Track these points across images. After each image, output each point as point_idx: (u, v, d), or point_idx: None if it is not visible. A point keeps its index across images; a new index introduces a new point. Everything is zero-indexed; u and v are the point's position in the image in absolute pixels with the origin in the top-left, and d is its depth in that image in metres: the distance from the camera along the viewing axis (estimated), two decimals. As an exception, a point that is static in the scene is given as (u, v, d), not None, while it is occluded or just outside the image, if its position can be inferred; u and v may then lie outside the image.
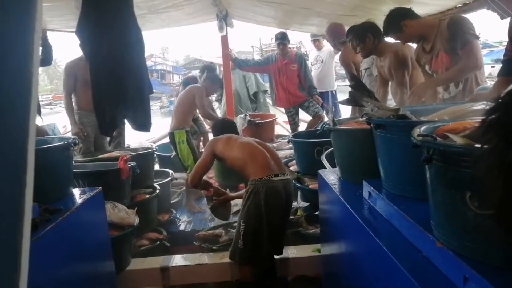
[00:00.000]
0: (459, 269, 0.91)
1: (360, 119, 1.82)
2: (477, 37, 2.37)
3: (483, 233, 0.88)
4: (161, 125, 8.29)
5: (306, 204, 2.66)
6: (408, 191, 1.36)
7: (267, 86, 6.48)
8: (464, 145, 0.86)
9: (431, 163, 0.95)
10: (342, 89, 6.28)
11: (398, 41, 2.87)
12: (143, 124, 2.42)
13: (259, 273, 2.17)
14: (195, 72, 6.15)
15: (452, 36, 2.38)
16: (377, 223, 1.39)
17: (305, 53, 6.70)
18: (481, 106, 1.51)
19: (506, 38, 1.97)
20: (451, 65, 2.45)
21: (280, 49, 5.02)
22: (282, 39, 4.98)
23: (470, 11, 3.33)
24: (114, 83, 2.25)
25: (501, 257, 0.86)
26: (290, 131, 5.35)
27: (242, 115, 5.38)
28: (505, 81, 1.94)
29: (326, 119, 4.84)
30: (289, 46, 5.27)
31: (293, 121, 5.28)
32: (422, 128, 1.13)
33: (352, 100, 1.68)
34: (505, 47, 1.99)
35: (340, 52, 4.42)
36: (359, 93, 1.60)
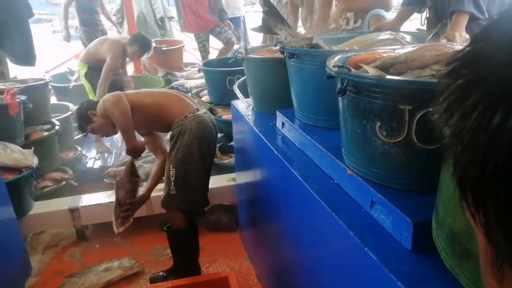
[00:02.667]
0: (367, 193, 0.98)
1: (273, 47, 1.78)
2: None
3: (388, 160, 0.94)
4: (55, 52, 7.41)
5: (220, 135, 2.64)
6: (320, 120, 1.39)
7: (172, 11, 6.00)
8: (377, 76, 0.87)
9: (345, 94, 0.96)
10: (250, 15, 6.12)
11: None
12: (24, 56, 2.05)
13: (191, 216, 2.06)
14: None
15: None
16: (290, 153, 1.43)
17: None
18: (386, 35, 1.56)
19: None
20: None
21: None
22: None
23: None
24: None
25: (402, 180, 0.94)
26: (201, 58, 5.15)
27: (147, 41, 4.99)
28: (408, 10, 2.02)
29: (236, 46, 4.72)
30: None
31: (204, 48, 5.05)
32: (336, 58, 1.13)
33: (265, 28, 1.61)
34: None
35: None
36: (273, 20, 1.54)
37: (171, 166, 1.94)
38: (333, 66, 0.99)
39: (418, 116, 0.85)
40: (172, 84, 4.09)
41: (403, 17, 2.02)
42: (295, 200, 1.37)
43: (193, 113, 1.97)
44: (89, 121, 2.07)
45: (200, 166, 1.99)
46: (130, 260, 2.22)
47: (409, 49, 1.11)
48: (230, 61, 2.30)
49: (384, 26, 1.97)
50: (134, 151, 2.07)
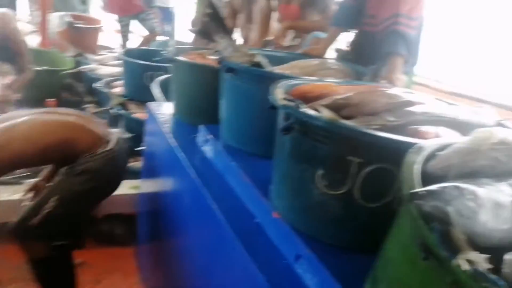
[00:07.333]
0: (293, 244, 0.87)
1: (208, 55, 1.62)
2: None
3: (323, 212, 0.84)
4: None
5: (128, 135, 2.36)
6: (250, 146, 1.27)
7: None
8: (331, 120, 0.77)
9: (290, 132, 0.85)
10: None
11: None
12: None
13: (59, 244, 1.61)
14: None
15: None
16: (209, 175, 1.28)
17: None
18: (335, 66, 1.50)
19: None
20: (297, 20, 2.42)
21: None
22: None
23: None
24: None
25: (336, 235, 0.85)
26: (122, 43, 4.74)
27: (62, 13, 4.44)
28: (336, 31, 1.95)
29: (158, 37, 4.46)
30: None
31: (125, 33, 4.68)
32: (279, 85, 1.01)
33: (204, 32, 1.45)
34: None
35: None
36: (215, 27, 1.38)
37: (55, 198, 1.54)
38: (282, 98, 0.87)
39: (366, 171, 0.77)
40: (81, 67, 3.61)
41: (332, 38, 1.96)
42: (206, 229, 1.22)
43: (103, 148, 1.63)
44: None
45: (90, 207, 1.77)
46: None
47: (354, 86, 1.05)
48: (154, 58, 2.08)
49: (313, 52, 1.90)
50: None
